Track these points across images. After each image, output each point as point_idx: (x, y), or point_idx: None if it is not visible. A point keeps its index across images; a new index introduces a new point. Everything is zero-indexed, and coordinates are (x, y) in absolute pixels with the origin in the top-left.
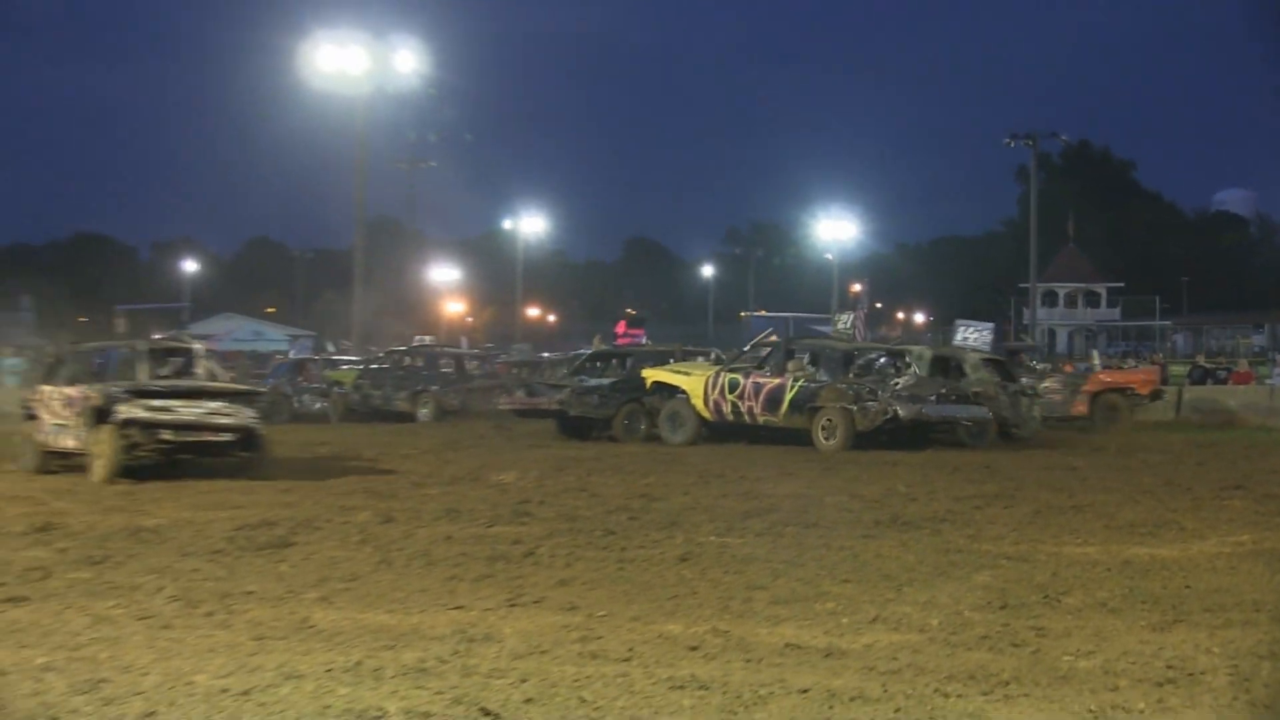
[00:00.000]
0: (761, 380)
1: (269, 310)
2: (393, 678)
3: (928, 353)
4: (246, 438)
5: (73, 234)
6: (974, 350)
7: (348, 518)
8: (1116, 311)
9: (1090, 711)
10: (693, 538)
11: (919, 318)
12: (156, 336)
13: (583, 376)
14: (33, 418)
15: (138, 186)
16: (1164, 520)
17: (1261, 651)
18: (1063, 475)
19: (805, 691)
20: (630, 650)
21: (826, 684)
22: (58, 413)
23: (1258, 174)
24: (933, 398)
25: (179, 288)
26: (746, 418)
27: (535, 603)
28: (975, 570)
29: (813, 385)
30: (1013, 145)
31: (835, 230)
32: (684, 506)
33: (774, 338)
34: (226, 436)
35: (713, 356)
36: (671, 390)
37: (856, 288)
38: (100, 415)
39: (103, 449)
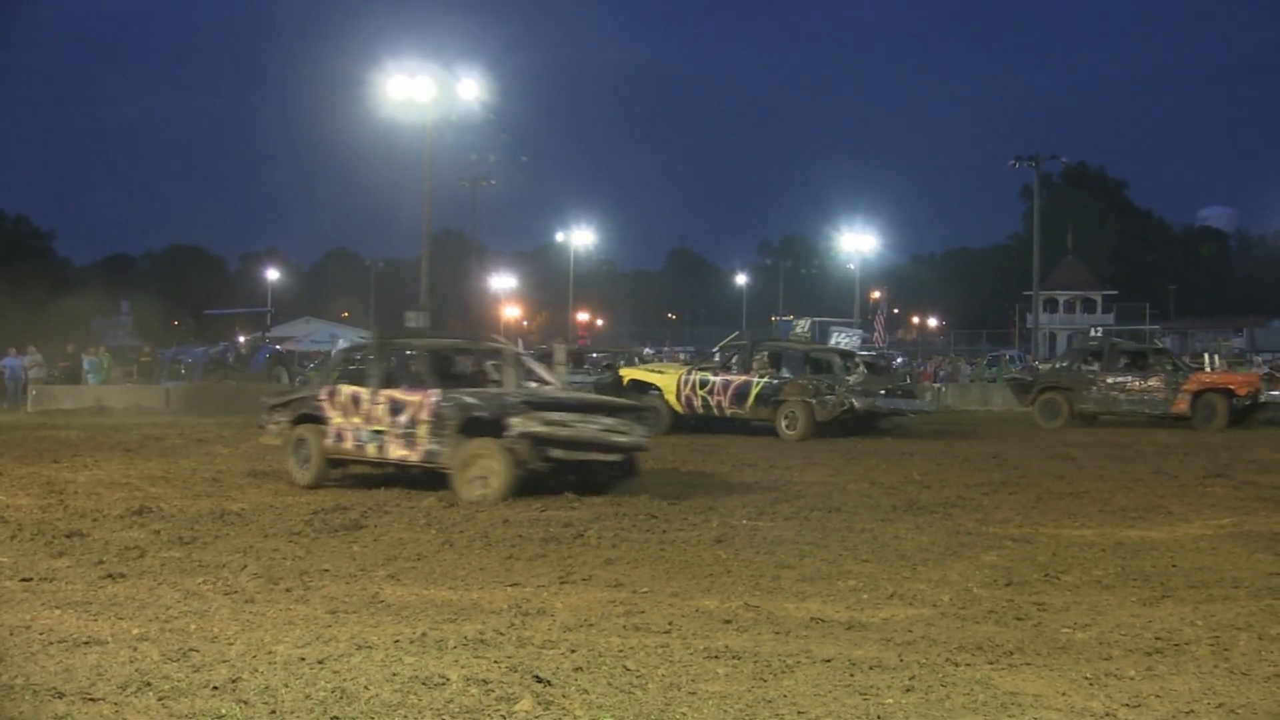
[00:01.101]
0: (730, 377)
1: (344, 315)
2: (454, 648)
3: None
4: (631, 459)
5: (167, 245)
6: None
7: (414, 502)
8: (1111, 317)
9: (1086, 679)
10: (727, 521)
11: (932, 322)
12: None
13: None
14: (311, 420)
15: (227, 203)
16: (1153, 505)
17: (1240, 624)
18: (1062, 465)
19: (829, 661)
20: (670, 623)
21: (848, 654)
22: (378, 418)
23: (1238, 193)
24: (882, 392)
25: (263, 294)
26: (715, 411)
27: (584, 580)
28: (983, 551)
29: (777, 381)
30: (1018, 167)
31: (857, 242)
32: (719, 492)
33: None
34: (615, 457)
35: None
36: (646, 387)
37: (876, 295)
38: (477, 427)
39: (489, 466)
